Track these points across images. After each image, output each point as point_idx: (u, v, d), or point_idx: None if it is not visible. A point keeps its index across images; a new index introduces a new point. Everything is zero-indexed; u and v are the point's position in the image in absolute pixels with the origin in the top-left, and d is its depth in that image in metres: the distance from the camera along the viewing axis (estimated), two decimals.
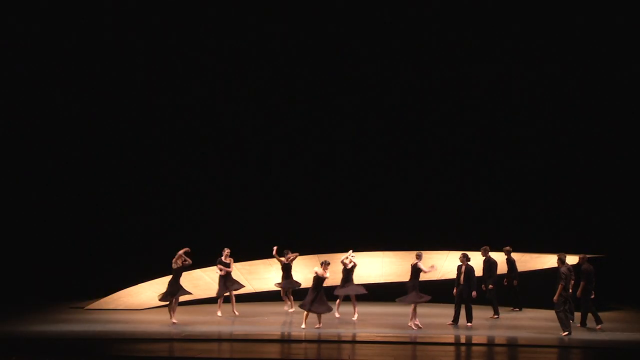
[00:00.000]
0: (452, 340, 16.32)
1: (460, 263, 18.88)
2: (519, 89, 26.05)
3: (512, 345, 15.69)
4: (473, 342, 16.01)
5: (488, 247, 20.61)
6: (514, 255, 21.95)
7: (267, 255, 22.53)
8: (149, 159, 26.25)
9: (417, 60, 26.24)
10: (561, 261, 17.33)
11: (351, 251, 19.94)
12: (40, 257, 24.50)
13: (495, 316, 19.80)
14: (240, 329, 17.70)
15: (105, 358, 14.85)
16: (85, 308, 20.46)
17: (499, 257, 21.09)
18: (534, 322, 18.89)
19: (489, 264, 20.39)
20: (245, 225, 25.17)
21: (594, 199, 25.41)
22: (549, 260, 21.60)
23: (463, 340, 16.21)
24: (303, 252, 22.81)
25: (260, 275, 22.74)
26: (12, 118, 25.59)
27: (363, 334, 17.14)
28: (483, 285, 20.09)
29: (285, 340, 16.47)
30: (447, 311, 20.64)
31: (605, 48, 25.45)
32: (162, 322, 18.77)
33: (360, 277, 22.69)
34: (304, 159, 26.52)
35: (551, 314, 20.13)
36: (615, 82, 25.50)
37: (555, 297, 17.00)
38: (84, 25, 25.65)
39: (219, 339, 16.32)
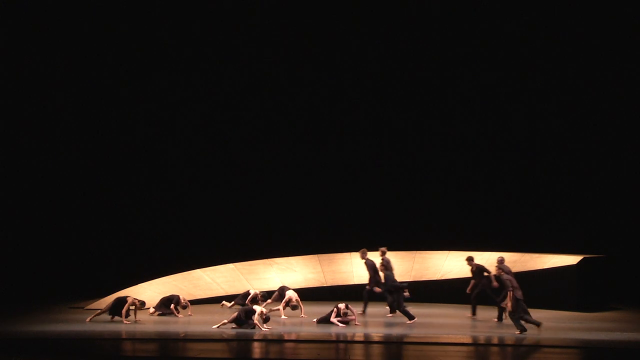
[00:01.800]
0: (452, 340, 16.32)
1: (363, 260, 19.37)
2: (519, 87, 26.03)
3: (512, 345, 15.69)
4: (472, 342, 16.01)
5: (366, 249, 20.51)
6: (515, 255, 22.00)
7: (267, 255, 22.58)
8: (149, 160, 26.26)
9: (415, 57, 26.23)
10: (500, 263, 17.72)
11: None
12: (41, 257, 24.50)
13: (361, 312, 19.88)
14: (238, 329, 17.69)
15: (105, 358, 14.84)
16: (85, 308, 20.45)
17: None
18: None
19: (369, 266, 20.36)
20: (245, 225, 25.18)
21: (595, 198, 25.41)
22: (549, 260, 21.61)
23: (462, 341, 16.21)
24: (303, 252, 22.86)
25: (260, 275, 22.74)
26: (14, 118, 25.59)
27: (363, 334, 17.13)
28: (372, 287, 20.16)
29: (285, 341, 16.48)
30: (448, 311, 20.69)
31: (605, 47, 25.45)
32: (162, 322, 18.78)
33: (361, 277, 22.70)
34: (304, 158, 26.51)
35: (552, 314, 20.22)
36: (616, 81, 25.48)
37: (509, 306, 17.03)
38: (84, 25, 25.70)
39: (219, 339, 16.32)
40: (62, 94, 25.87)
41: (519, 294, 17.20)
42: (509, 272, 18.07)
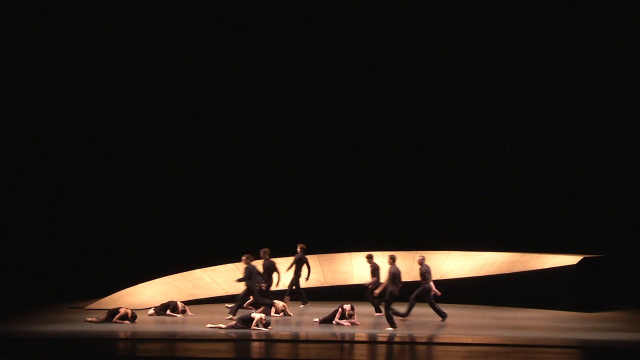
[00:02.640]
0: (452, 341, 16.33)
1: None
2: (519, 87, 26.01)
3: (512, 345, 15.69)
4: (473, 342, 16.01)
5: (268, 250, 20.31)
6: (515, 255, 22.06)
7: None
8: (149, 159, 26.25)
9: (415, 56, 26.21)
10: (392, 259, 18.19)
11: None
12: (41, 257, 24.49)
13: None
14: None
15: (105, 358, 14.85)
16: (85, 308, 20.45)
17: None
18: (534, 322, 18.90)
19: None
20: (245, 226, 25.17)
21: (594, 198, 25.39)
22: (549, 260, 21.61)
23: (463, 341, 16.22)
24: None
25: None
26: (14, 117, 25.60)
27: (363, 334, 17.14)
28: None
29: (286, 341, 16.48)
30: (448, 311, 20.64)
31: (605, 47, 25.44)
32: (162, 322, 18.79)
33: (361, 277, 22.72)
34: (304, 158, 26.50)
35: (552, 314, 20.23)
36: (616, 80, 25.47)
37: (396, 291, 17.71)
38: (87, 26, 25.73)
39: (219, 339, 16.32)
40: (64, 94, 25.86)
41: (395, 290, 17.76)
42: (427, 271, 19.09)
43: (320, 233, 24.31)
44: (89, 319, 18.43)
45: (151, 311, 19.79)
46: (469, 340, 16.14)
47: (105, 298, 20.87)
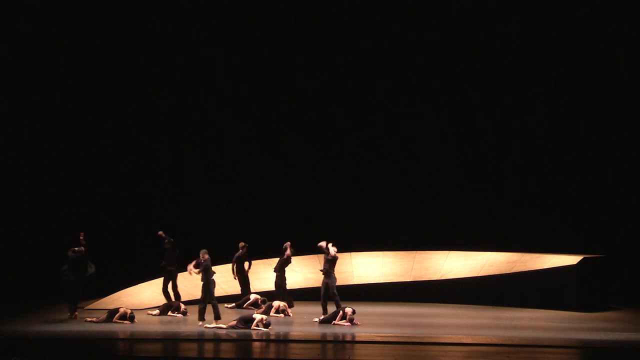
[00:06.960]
0: (452, 340, 16.33)
1: None
2: (519, 87, 26.03)
3: (512, 345, 15.69)
4: (473, 342, 16.01)
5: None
6: (515, 255, 22.06)
7: (267, 255, 22.53)
8: (149, 159, 26.26)
9: (414, 55, 26.23)
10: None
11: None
12: (41, 257, 24.49)
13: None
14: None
15: (105, 358, 14.85)
16: (86, 308, 20.45)
17: None
18: (534, 322, 18.90)
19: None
20: (245, 226, 25.17)
21: (595, 198, 25.40)
22: (549, 260, 21.62)
23: (463, 341, 16.22)
24: (303, 252, 22.78)
25: (260, 275, 22.71)
26: (12, 116, 25.63)
27: (363, 334, 17.14)
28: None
29: (286, 341, 16.48)
30: (448, 311, 20.69)
31: (603, 48, 25.46)
32: (162, 322, 18.79)
33: (360, 277, 22.74)
34: (304, 158, 26.51)
35: (552, 314, 20.23)
36: (616, 80, 25.48)
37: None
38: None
39: (219, 339, 16.33)
40: (67, 92, 25.91)
41: None
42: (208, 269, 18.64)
43: (320, 233, 24.29)
44: (89, 319, 18.44)
45: (156, 311, 19.82)
46: (469, 340, 16.14)
47: (105, 298, 20.88)
